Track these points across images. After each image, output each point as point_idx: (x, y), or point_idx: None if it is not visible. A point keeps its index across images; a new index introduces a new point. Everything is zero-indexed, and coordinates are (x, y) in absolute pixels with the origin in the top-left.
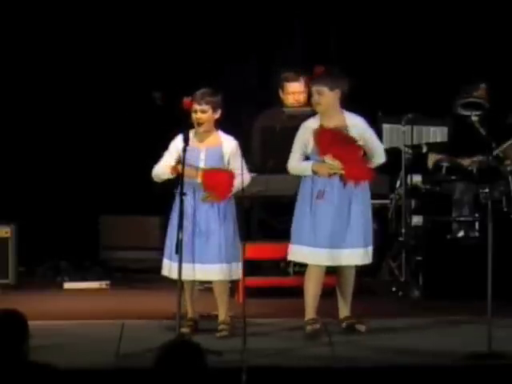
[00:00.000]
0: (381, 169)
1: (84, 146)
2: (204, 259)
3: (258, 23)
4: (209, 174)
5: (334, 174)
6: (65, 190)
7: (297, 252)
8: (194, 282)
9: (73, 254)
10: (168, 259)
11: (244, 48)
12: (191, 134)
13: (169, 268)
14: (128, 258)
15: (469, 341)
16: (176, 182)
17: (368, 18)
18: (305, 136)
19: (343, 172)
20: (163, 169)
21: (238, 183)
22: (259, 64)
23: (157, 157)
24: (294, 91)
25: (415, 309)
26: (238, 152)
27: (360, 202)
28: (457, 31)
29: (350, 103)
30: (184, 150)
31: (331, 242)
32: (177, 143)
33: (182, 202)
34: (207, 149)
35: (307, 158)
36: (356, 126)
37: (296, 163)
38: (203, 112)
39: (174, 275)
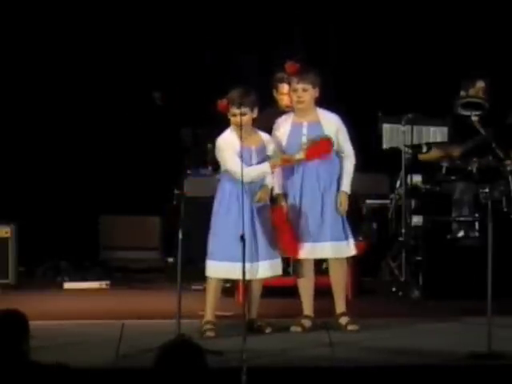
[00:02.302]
0: (381, 169)
1: (84, 147)
2: (255, 257)
3: (258, 25)
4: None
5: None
6: (65, 190)
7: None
8: (221, 283)
9: (73, 254)
10: (230, 261)
11: (245, 48)
12: (231, 135)
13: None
14: (128, 258)
15: (468, 341)
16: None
17: (367, 18)
18: (277, 131)
19: (302, 157)
20: (258, 172)
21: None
22: (260, 64)
23: (156, 157)
24: (288, 92)
25: (415, 309)
26: (271, 143)
27: (333, 195)
28: (456, 31)
29: (350, 103)
30: (188, 152)
31: (311, 236)
32: (227, 141)
33: (182, 202)
34: (256, 149)
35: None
36: (330, 123)
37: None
38: (243, 115)
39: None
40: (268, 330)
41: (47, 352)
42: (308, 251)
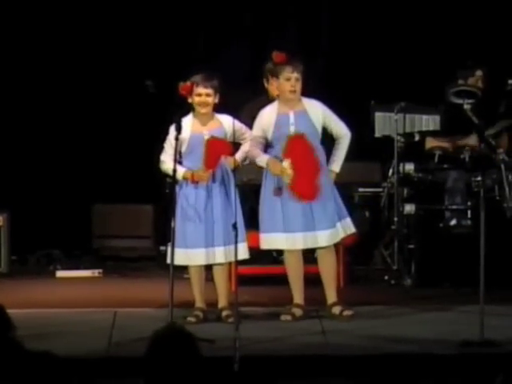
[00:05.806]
0: (373, 157)
1: (77, 135)
2: (217, 242)
3: (251, 10)
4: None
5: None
6: (58, 178)
7: (271, 240)
8: (202, 269)
9: (65, 242)
10: (182, 248)
11: (237, 35)
12: (188, 119)
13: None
14: (120, 247)
15: (461, 329)
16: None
17: (360, 7)
18: (262, 122)
19: (289, 182)
20: (178, 174)
21: (245, 149)
22: (252, 51)
23: (149, 145)
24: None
25: (407, 297)
26: (236, 122)
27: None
28: (449, 19)
29: (342, 92)
30: (176, 139)
31: (305, 225)
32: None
33: (174, 191)
34: (210, 132)
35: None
36: (315, 110)
37: (256, 151)
38: (208, 95)
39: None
40: (230, 321)
41: (39, 340)
42: (298, 241)
